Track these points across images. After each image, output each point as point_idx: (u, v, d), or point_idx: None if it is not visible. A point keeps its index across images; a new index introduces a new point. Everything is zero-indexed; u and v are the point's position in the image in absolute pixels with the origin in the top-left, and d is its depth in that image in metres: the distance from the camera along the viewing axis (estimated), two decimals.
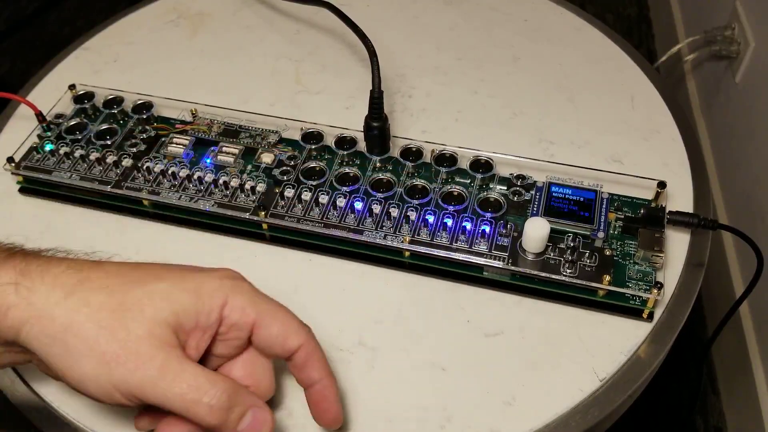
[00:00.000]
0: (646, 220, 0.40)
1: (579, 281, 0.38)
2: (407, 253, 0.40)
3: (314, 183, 0.43)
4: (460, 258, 0.39)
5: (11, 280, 0.28)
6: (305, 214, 0.41)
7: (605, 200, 0.41)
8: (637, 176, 0.43)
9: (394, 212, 0.41)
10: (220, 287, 0.31)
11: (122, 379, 0.28)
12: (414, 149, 0.44)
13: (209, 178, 0.43)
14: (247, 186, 0.42)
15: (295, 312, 0.39)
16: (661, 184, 0.41)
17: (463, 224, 0.40)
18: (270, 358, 0.33)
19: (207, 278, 0.31)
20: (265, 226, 0.42)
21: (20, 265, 0.29)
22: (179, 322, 0.29)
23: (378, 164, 0.44)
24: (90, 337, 0.28)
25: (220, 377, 0.29)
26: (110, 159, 0.44)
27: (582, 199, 0.41)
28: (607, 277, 0.37)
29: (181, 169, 0.43)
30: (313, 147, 0.45)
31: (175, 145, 0.45)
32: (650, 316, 0.38)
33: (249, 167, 0.44)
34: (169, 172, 0.43)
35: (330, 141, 0.45)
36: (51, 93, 0.50)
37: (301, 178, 0.43)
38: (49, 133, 0.47)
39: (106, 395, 0.28)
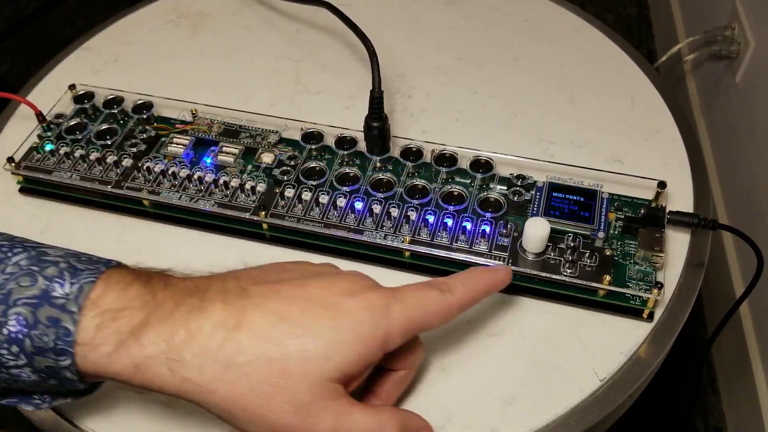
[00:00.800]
0: (646, 220, 0.40)
1: (579, 281, 0.38)
2: (407, 253, 0.40)
3: (314, 183, 0.43)
4: (461, 258, 0.39)
5: (161, 352, 0.27)
6: (305, 214, 0.41)
7: (605, 200, 0.41)
8: (637, 176, 0.43)
9: (395, 212, 0.41)
10: (375, 326, 0.29)
11: None
12: (414, 149, 0.44)
13: (209, 178, 0.43)
14: (248, 186, 0.42)
15: None
16: (661, 184, 0.41)
17: (464, 224, 0.40)
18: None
19: (359, 317, 0.29)
20: (265, 226, 0.42)
21: (162, 329, 0.27)
22: (345, 374, 0.29)
23: (378, 164, 0.44)
24: (255, 410, 0.27)
25: (385, 416, 0.30)
26: (110, 159, 0.44)
27: (582, 199, 0.41)
28: (608, 277, 0.37)
29: (181, 169, 0.44)
30: (313, 147, 0.45)
31: (175, 145, 0.45)
32: (650, 316, 0.38)
33: (249, 167, 0.44)
34: (169, 172, 0.43)
35: (330, 141, 0.45)
36: (51, 93, 0.50)
37: (302, 178, 0.43)
38: (49, 133, 0.47)
39: None
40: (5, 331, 0.27)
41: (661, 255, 0.38)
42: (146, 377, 0.27)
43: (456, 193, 0.42)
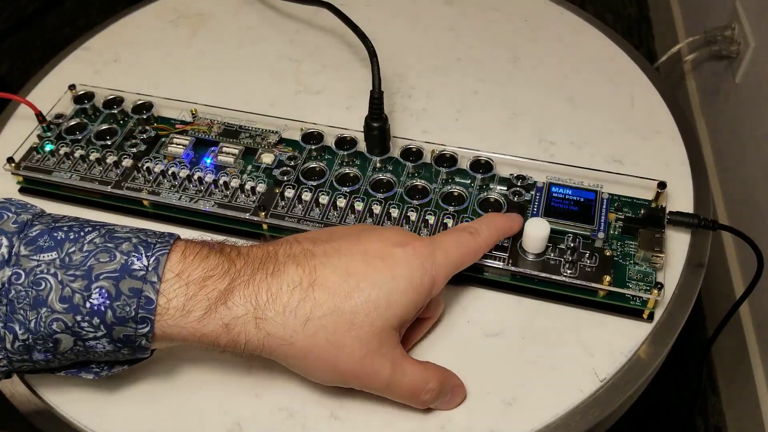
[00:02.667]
0: (647, 220, 0.40)
1: (579, 281, 0.38)
2: None
3: (314, 183, 0.43)
4: None
5: (248, 312, 0.30)
6: (305, 214, 0.41)
7: (605, 200, 0.41)
8: (637, 176, 0.43)
9: (395, 213, 0.41)
10: (424, 272, 0.33)
11: (354, 384, 0.33)
12: (414, 149, 0.44)
13: (209, 178, 0.43)
14: (247, 186, 0.42)
15: None
16: (661, 185, 0.41)
17: None
18: None
19: (411, 266, 0.32)
20: (265, 226, 0.42)
21: (247, 292, 0.31)
22: (404, 321, 0.33)
23: (378, 164, 0.44)
24: (329, 358, 0.31)
25: (430, 371, 0.33)
26: (110, 159, 0.44)
27: (582, 199, 0.41)
28: (608, 278, 0.37)
29: (181, 169, 0.44)
30: (313, 147, 0.45)
31: (175, 145, 0.45)
32: (650, 317, 0.38)
33: (249, 167, 0.44)
34: (169, 172, 0.43)
35: (330, 141, 0.45)
36: (51, 93, 0.50)
37: (302, 178, 0.43)
38: (49, 133, 0.47)
39: (334, 385, 0.33)
40: (88, 305, 0.29)
41: (661, 255, 0.38)
42: (233, 335, 0.30)
43: (456, 194, 0.42)
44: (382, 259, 0.32)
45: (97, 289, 0.29)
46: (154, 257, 0.30)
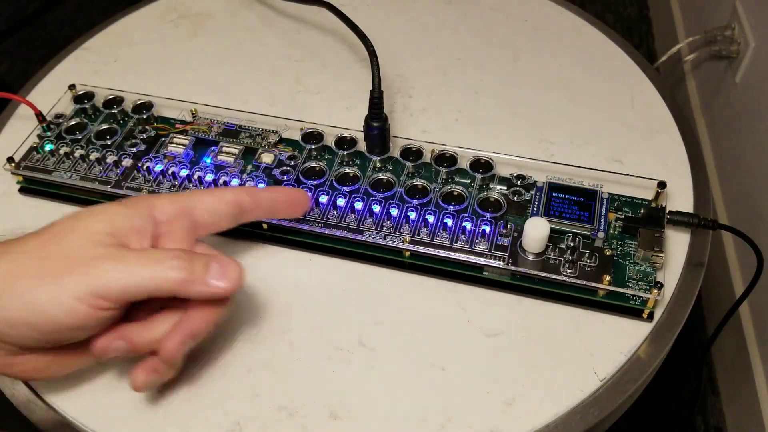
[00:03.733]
0: (646, 220, 0.40)
1: (579, 281, 0.38)
2: (407, 253, 0.40)
3: (314, 183, 0.43)
4: (460, 258, 0.39)
5: None
6: (305, 213, 0.41)
7: (605, 200, 0.41)
8: (637, 176, 0.43)
9: (394, 212, 0.41)
10: (141, 197, 0.33)
11: (80, 286, 0.29)
12: (414, 149, 0.44)
13: (209, 178, 0.43)
14: (247, 186, 0.42)
15: (295, 311, 0.39)
16: (661, 184, 0.41)
17: (463, 224, 0.40)
18: (229, 224, 0.35)
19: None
20: (265, 225, 0.42)
21: None
22: (115, 226, 0.31)
23: (378, 164, 0.44)
24: (34, 270, 0.29)
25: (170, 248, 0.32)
26: (110, 159, 0.44)
27: (582, 199, 0.41)
28: (607, 277, 0.37)
29: (181, 169, 0.44)
30: (313, 147, 0.45)
31: (175, 145, 0.45)
32: (650, 316, 0.38)
33: (249, 167, 0.44)
34: (169, 172, 0.43)
35: (330, 141, 0.45)
36: (51, 93, 0.50)
37: (301, 178, 0.43)
38: (49, 133, 0.47)
39: (72, 311, 0.29)
40: None
41: (661, 255, 0.38)
42: None
43: (456, 193, 0.42)
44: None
45: None
46: None
